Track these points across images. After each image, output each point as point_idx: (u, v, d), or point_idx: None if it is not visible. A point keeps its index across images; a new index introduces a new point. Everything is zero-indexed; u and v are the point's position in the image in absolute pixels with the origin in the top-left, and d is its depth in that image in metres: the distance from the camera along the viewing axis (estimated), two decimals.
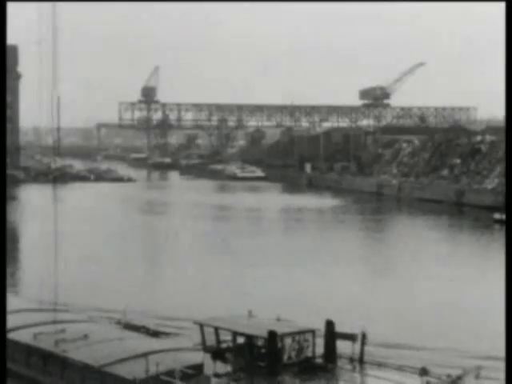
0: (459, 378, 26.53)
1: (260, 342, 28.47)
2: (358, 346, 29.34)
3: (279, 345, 28.08)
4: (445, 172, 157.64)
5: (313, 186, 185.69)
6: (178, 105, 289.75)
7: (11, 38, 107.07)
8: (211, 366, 28.55)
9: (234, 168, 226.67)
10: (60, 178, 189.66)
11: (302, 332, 29.21)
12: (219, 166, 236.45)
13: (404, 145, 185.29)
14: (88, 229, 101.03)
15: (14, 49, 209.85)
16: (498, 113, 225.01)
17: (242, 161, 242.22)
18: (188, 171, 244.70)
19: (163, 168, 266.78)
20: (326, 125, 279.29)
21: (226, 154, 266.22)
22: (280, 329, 28.55)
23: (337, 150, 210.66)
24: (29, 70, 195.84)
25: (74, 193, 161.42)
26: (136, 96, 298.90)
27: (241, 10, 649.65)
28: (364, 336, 29.21)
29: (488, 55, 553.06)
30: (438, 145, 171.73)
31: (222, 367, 28.45)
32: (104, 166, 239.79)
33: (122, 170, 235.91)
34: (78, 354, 31.18)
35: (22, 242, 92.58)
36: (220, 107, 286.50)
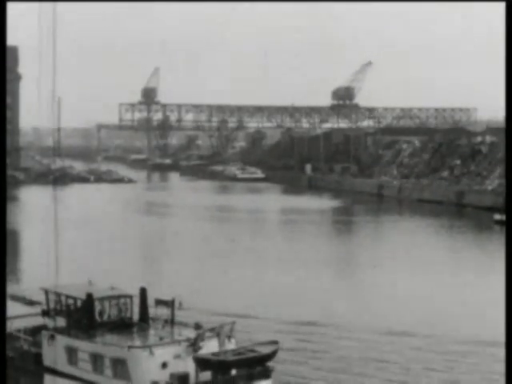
0: (213, 329, 34.19)
1: (80, 303, 36.01)
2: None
3: (99, 306, 35.90)
4: (445, 173, 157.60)
5: (313, 187, 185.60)
6: (179, 106, 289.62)
7: (11, 39, 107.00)
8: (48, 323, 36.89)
9: (234, 169, 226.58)
10: (60, 179, 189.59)
11: (118, 296, 36.65)
12: (219, 167, 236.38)
13: (404, 146, 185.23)
14: (87, 229, 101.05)
15: (15, 49, 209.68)
16: (499, 113, 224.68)
17: (242, 162, 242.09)
18: (188, 172, 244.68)
19: (163, 169, 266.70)
20: (327, 126, 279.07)
21: (227, 155, 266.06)
22: (99, 293, 36.25)
23: (337, 151, 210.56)
24: (29, 71, 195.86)
25: (74, 194, 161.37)
26: (136, 97, 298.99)
27: (239, 10, 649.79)
28: (173, 302, 36.01)
29: (487, 54, 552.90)
30: (438, 146, 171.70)
31: (52, 322, 36.60)
32: (104, 167, 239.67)
33: (122, 171, 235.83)
34: None
35: (22, 242, 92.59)
36: (220, 108, 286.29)
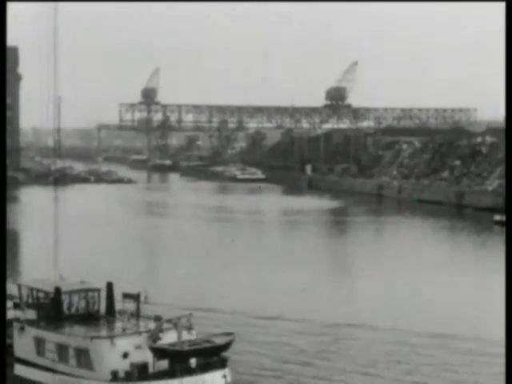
0: (170, 320, 35.88)
1: (47, 296, 37.92)
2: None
3: (67, 299, 37.79)
4: (445, 173, 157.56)
5: (313, 187, 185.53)
6: (179, 106, 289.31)
7: (12, 39, 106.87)
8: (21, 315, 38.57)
9: (234, 170, 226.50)
10: (60, 179, 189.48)
11: (86, 290, 38.63)
12: (219, 168, 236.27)
13: (404, 146, 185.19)
14: (87, 230, 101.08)
15: (15, 50, 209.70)
16: (499, 114, 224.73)
17: (242, 162, 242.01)
18: (188, 173, 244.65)
19: (163, 170, 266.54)
20: (327, 126, 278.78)
21: (227, 156, 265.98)
22: (67, 287, 38.19)
23: (337, 152, 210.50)
24: (29, 71, 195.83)
25: (75, 194, 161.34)
26: (136, 97, 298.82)
27: (238, 10, 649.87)
28: (139, 296, 37.80)
29: (487, 54, 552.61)
30: (438, 146, 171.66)
31: (22, 315, 38.30)
32: (104, 167, 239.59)
33: (123, 171, 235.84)
34: None
35: (22, 243, 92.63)
36: (220, 109, 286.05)
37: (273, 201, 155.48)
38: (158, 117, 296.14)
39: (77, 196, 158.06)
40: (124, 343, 35.18)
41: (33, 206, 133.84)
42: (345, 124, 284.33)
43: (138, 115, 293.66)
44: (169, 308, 44.68)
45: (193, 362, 35.05)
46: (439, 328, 50.05)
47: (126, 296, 38.36)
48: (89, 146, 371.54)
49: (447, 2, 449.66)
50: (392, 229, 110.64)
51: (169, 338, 35.51)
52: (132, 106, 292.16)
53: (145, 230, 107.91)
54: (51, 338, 36.56)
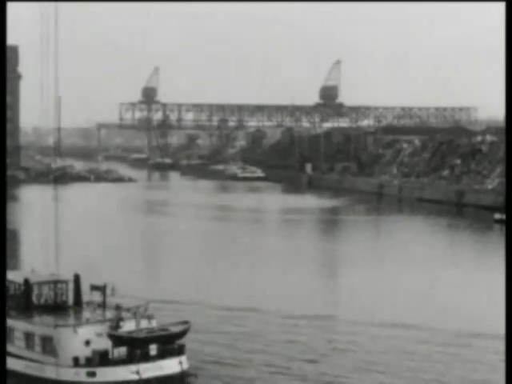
0: (129, 309, 38.32)
1: (19, 287, 40.12)
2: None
3: (36, 290, 40.04)
4: (445, 172, 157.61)
5: (313, 186, 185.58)
6: (179, 105, 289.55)
7: (12, 39, 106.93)
8: None
9: (234, 168, 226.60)
10: (60, 178, 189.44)
11: (55, 282, 40.67)
12: (220, 167, 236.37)
13: (405, 145, 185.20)
14: (88, 230, 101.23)
15: (15, 49, 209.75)
16: (499, 113, 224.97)
17: (242, 161, 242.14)
18: (188, 171, 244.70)
19: (164, 168, 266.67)
20: (327, 125, 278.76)
21: (227, 155, 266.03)
22: (36, 279, 40.41)
23: (337, 151, 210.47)
24: (30, 71, 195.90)
25: (75, 193, 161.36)
26: (136, 96, 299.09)
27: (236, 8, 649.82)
28: (105, 288, 39.82)
29: (487, 54, 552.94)
30: (438, 145, 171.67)
31: None
32: (104, 166, 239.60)
33: (123, 170, 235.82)
34: None
35: (22, 242, 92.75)
36: (220, 107, 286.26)
37: (273, 199, 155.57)
38: (158, 116, 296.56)
39: (77, 195, 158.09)
40: (86, 331, 37.17)
41: (33, 205, 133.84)
42: (345, 123, 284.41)
43: (138, 114, 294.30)
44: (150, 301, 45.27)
45: (153, 348, 36.95)
46: (430, 322, 50.36)
47: (94, 288, 40.39)
48: (89, 144, 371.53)
49: (447, 1, 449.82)
50: (392, 227, 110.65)
51: (130, 326, 37.75)
52: (132, 104, 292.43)
53: (145, 229, 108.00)
54: (19, 326, 38.73)
